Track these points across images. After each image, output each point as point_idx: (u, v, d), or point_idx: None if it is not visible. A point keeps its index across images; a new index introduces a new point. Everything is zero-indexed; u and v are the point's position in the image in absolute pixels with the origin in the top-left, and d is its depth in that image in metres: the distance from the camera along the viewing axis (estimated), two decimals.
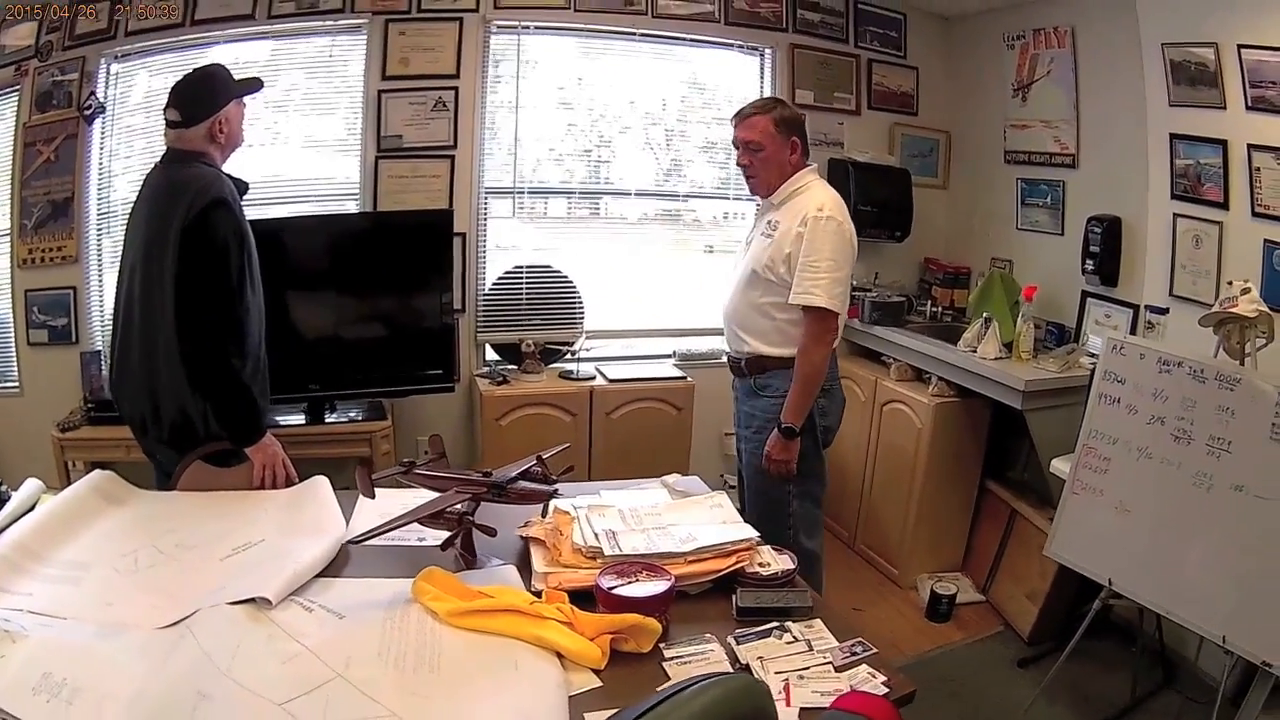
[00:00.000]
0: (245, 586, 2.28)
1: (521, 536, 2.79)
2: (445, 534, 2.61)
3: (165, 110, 3.48)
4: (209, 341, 3.29)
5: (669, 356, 6.17)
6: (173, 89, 3.51)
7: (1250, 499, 3.66)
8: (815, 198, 3.90)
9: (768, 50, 6.19)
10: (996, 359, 5.22)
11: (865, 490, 5.92)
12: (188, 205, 3.26)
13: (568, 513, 2.82)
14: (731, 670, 2.19)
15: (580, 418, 5.37)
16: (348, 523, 2.84)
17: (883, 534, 5.84)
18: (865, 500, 5.94)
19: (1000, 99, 6.27)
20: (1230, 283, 4.06)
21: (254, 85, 3.68)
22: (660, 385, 5.63)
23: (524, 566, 2.62)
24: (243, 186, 3.57)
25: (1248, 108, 4.57)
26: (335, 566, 2.56)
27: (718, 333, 5.59)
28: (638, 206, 6.23)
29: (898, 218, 6.19)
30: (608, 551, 2.57)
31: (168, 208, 3.31)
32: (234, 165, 3.63)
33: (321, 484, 3.13)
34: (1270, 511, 3.60)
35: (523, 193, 5.82)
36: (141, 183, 3.61)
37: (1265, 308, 3.94)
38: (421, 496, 2.78)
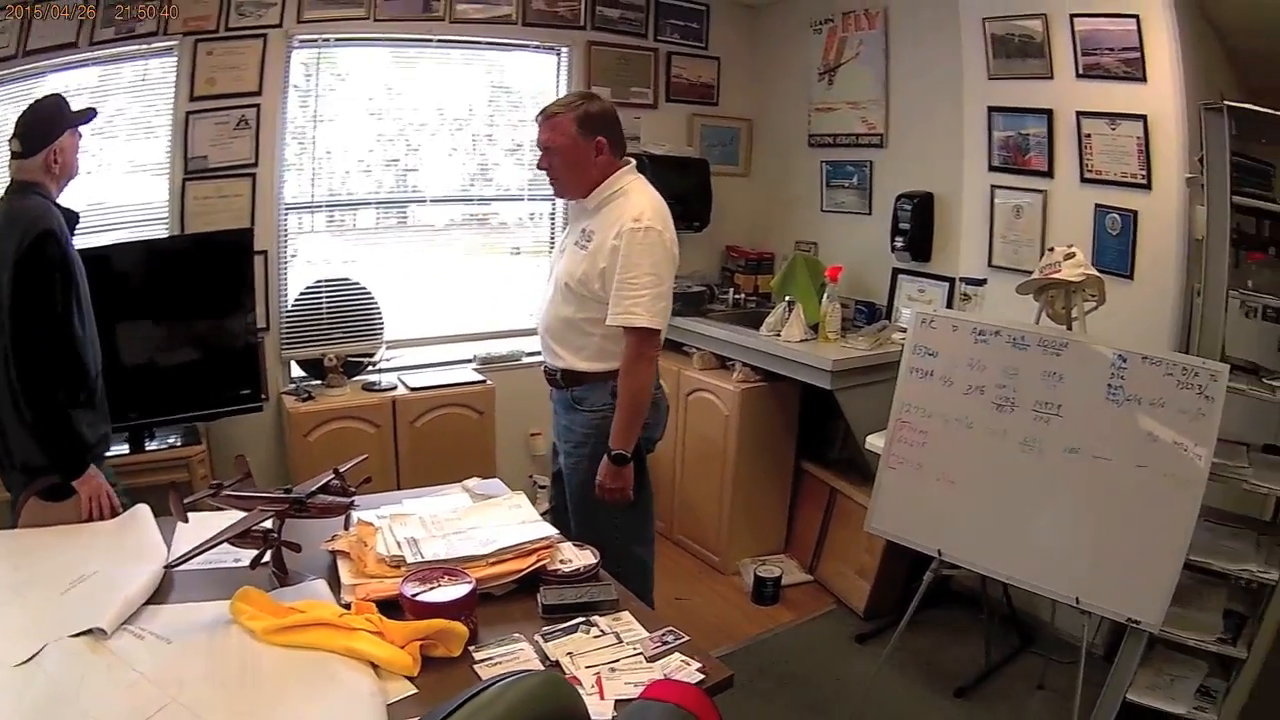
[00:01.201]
0: (83, 618, 2.30)
1: (328, 550, 2.80)
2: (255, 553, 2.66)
3: (9, 141, 3.45)
4: (34, 373, 3.26)
5: (470, 361, 6.16)
6: (17, 119, 3.48)
7: (1088, 460, 3.79)
8: (633, 205, 3.62)
9: (565, 49, 6.23)
10: (802, 341, 5.34)
11: (677, 480, 5.98)
12: (20, 237, 3.24)
13: (371, 524, 2.87)
14: (542, 668, 2.24)
15: (385, 428, 5.35)
16: (168, 548, 2.82)
17: (699, 522, 5.91)
18: (678, 490, 6.00)
19: (805, 84, 6.41)
20: (1052, 249, 4.16)
21: (88, 115, 3.62)
22: (460, 391, 5.62)
23: (334, 580, 2.65)
24: (72, 217, 3.50)
25: (1078, 75, 4.79)
26: (160, 592, 2.56)
27: (519, 334, 5.89)
28: (445, 213, 6.19)
29: (697, 208, 6.26)
30: (410, 559, 2.62)
31: (4, 239, 3.28)
32: (67, 195, 3.58)
33: (142, 512, 3.11)
34: (1110, 471, 3.74)
35: (323, 207, 5.74)
36: None
37: (1093, 271, 4.05)
38: (235, 518, 2.75)
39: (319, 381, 5.52)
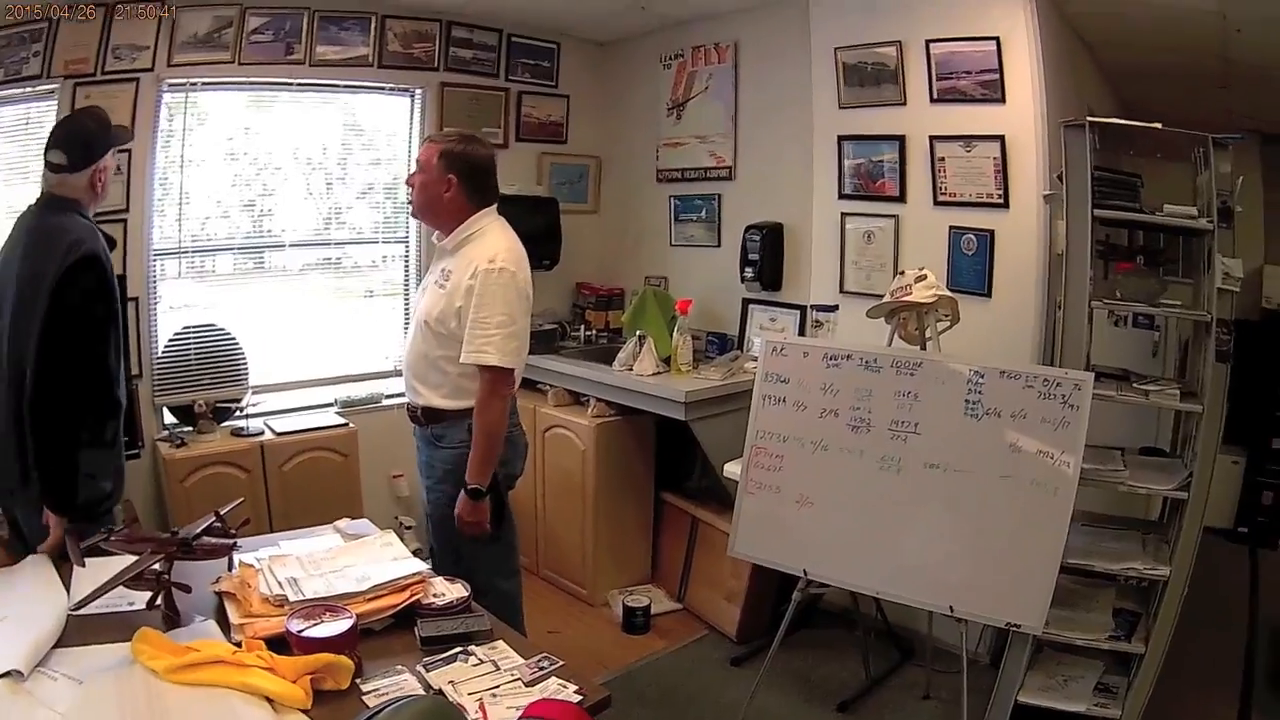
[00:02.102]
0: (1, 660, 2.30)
1: (215, 592, 2.84)
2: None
3: (47, 152, 3.30)
4: (58, 406, 3.10)
5: (332, 405, 6.13)
6: (57, 129, 3.41)
7: (950, 474, 3.91)
8: (489, 246, 3.77)
9: (419, 90, 6.23)
10: (655, 374, 5.45)
11: (540, 516, 6.00)
12: (61, 257, 3.11)
13: (252, 565, 2.93)
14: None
15: (255, 473, 5.29)
16: (69, 592, 2.83)
17: (564, 556, 5.95)
18: (541, 526, 6.02)
19: (653, 119, 6.51)
20: (903, 272, 4.28)
21: (126, 136, 3.60)
22: (324, 434, 5.61)
23: (222, 620, 2.70)
24: (111, 242, 3.38)
25: (933, 100, 5.00)
26: (65, 635, 2.56)
27: (378, 377, 5.94)
28: (300, 256, 6.16)
29: (547, 247, 6.30)
30: (292, 598, 2.68)
31: (41, 258, 3.15)
32: None
33: (41, 557, 3.08)
34: (974, 483, 3.86)
35: (188, 253, 5.65)
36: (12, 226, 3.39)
37: (944, 291, 4.18)
38: (126, 562, 2.76)
39: (190, 428, 5.45)
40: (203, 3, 5.22)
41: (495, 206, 3.96)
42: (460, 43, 6.25)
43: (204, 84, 5.43)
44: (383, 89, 6.12)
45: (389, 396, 6.17)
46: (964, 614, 3.87)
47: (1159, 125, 3.99)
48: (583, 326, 6.66)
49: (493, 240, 3.81)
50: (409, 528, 5.87)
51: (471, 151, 3.89)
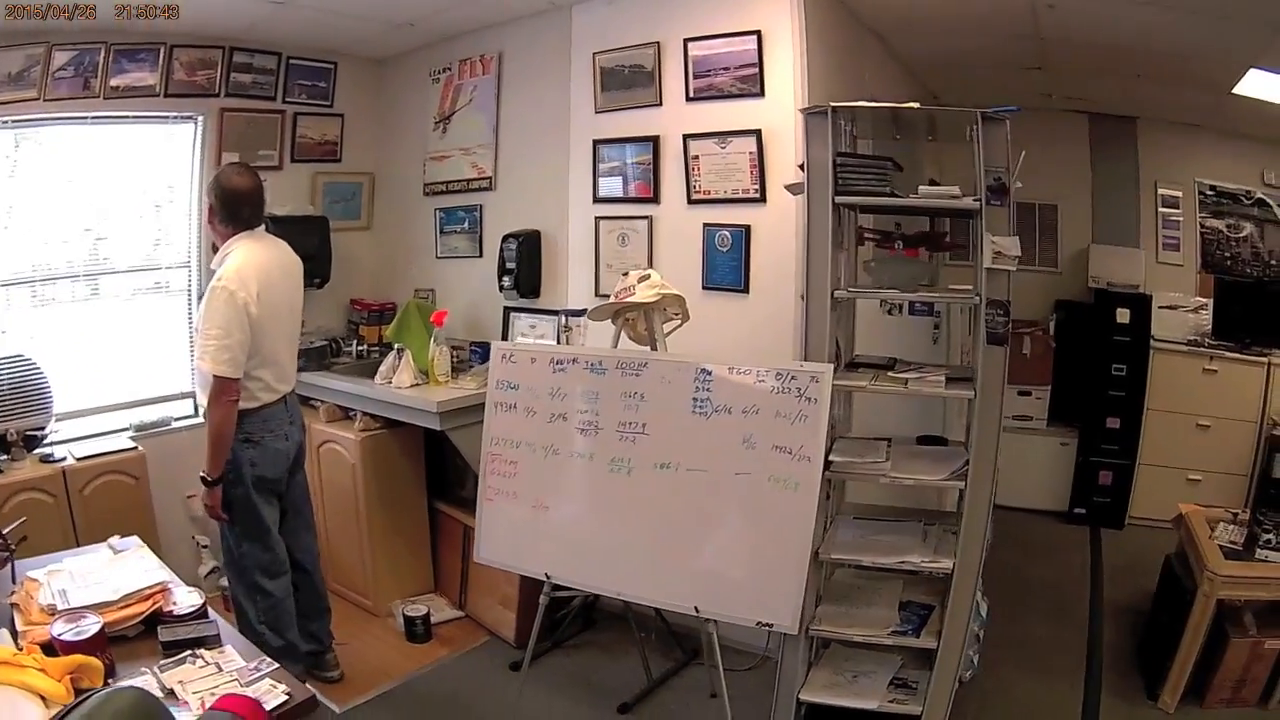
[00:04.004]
0: None
1: (9, 603, 3.06)
2: None
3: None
4: None
5: (127, 430, 6.07)
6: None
7: (682, 474, 3.86)
8: (225, 267, 4.11)
9: (200, 117, 6.15)
10: (413, 386, 5.50)
11: (321, 529, 5.82)
12: None
13: (36, 579, 3.16)
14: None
15: (60, 498, 5.27)
16: None
17: (347, 568, 5.96)
18: (323, 539, 5.85)
19: (422, 134, 6.47)
20: (626, 273, 4.27)
21: None
22: (116, 458, 5.55)
23: (12, 628, 2.92)
24: None
25: (689, 98, 4.98)
26: None
27: (169, 399, 6.08)
28: (85, 286, 6.03)
29: (317, 265, 6.21)
30: (60, 606, 2.94)
31: None
32: None
33: None
34: (708, 482, 3.82)
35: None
36: None
37: (671, 290, 4.15)
38: None
39: (5, 456, 5.39)
40: (13, 42, 5.21)
41: (258, 229, 4.35)
42: (241, 68, 6.20)
43: (14, 121, 5.42)
44: (168, 118, 6.06)
45: (178, 419, 6.14)
46: (710, 614, 3.86)
47: (915, 105, 3.94)
48: (356, 342, 6.60)
49: (231, 261, 4.14)
50: (204, 546, 5.95)
51: (224, 179, 4.27)
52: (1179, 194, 7.50)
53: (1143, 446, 6.99)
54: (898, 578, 4.28)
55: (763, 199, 4.72)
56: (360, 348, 6.52)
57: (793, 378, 3.67)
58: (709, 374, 3.82)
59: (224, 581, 5.22)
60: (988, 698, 4.50)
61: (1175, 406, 6.94)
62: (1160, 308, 7.06)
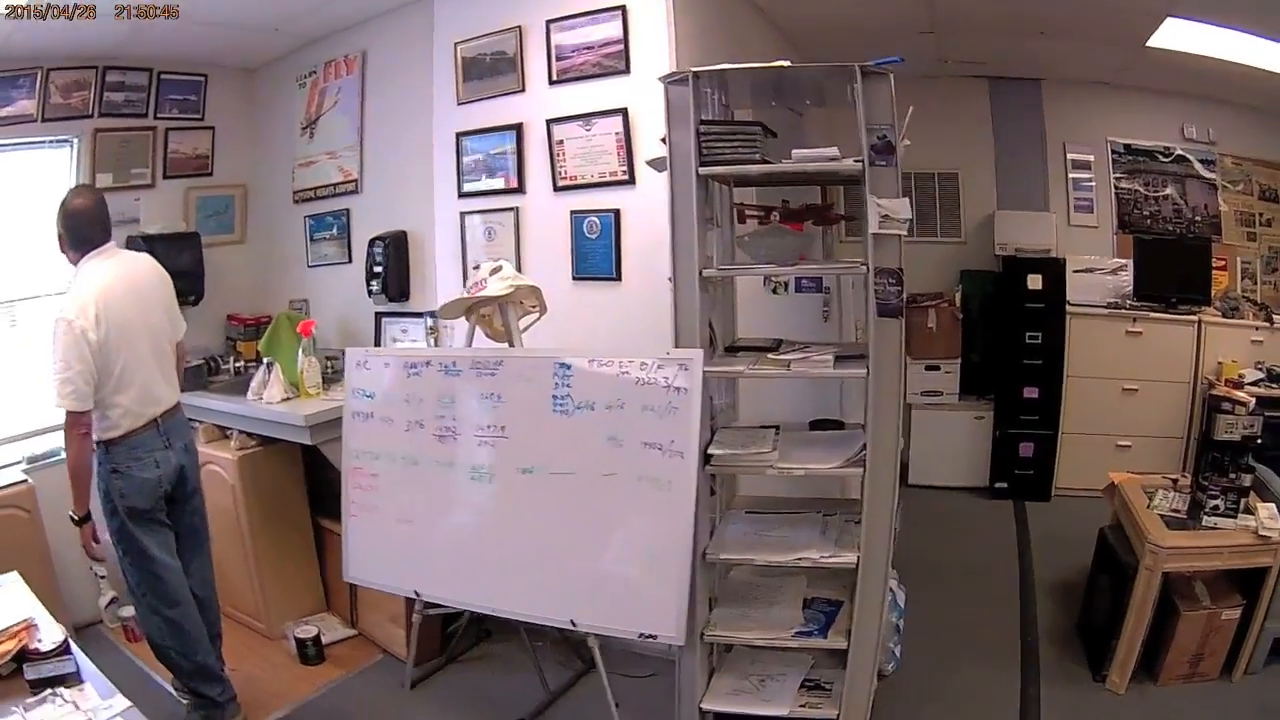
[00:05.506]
0: None
1: None
2: None
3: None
4: None
5: (19, 463, 5.88)
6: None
7: (547, 477, 3.73)
8: (67, 297, 3.96)
9: (75, 139, 5.97)
10: (284, 400, 5.31)
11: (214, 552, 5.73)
12: None
13: None
14: None
15: None
16: None
17: (236, 591, 5.75)
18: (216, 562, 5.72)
19: (290, 141, 6.33)
20: (477, 266, 4.24)
21: None
22: (6, 493, 5.42)
23: None
24: None
25: (552, 82, 4.82)
26: None
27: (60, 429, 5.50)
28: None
29: (192, 282, 6.07)
30: None
31: None
32: None
33: None
34: (575, 485, 3.69)
35: None
36: None
37: (525, 281, 4.08)
38: None
39: None
40: None
41: (107, 245, 4.15)
42: (114, 86, 6.04)
43: None
44: (44, 143, 5.91)
45: None
46: (588, 627, 3.76)
47: (785, 62, 3.69)
48: (234, 359, 6.43)
49: (74, 290, 3.97)
50: (102, 577, 5.71)
51: (65, 204, 4.10)
52: (1090, 156, 7.40)
53: (1065, 415, 6.89)
54: (801, 574, 4.04)
55: (631, 181, 4.58)
56: (238, 364, 6.35)
57: (659, 367, 3.48)
58: (568, 368, 3.65)
59: (124, 611, 5.26)
60: (915, 691, 4.35)
61: (1098, 372, 6.84)
62: (1075, 271, 6.94)
